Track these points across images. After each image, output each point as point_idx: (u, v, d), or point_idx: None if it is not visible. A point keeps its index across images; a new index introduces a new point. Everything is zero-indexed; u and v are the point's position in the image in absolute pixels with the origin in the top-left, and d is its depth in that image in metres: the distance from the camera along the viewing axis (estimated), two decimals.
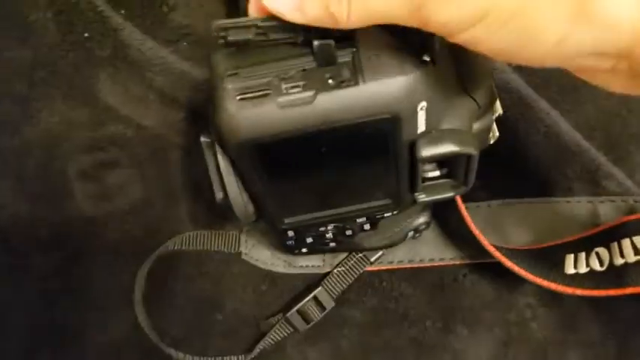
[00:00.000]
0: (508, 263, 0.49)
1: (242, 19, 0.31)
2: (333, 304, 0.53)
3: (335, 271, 0.54)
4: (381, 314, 0.54)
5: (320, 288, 0.53)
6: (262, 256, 0.55)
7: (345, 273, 0.54)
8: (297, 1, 0.28)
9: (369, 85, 0.32)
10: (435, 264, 0.54)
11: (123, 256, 0.54)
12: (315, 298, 0.53)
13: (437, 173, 0.41)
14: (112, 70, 0.54)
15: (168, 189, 0.55)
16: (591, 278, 0.47)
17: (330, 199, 0.43)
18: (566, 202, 0.53)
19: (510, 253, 0.51)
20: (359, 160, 0.38)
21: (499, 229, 0.54)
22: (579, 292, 0.47)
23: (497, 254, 0.50)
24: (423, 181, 0.41)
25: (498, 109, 0.41)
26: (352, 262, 0.54)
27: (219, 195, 0.40)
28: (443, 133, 0.38)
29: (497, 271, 0.51)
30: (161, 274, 0.54)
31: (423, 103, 0.34)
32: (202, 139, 0.39)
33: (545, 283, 0.48)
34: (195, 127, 0.55)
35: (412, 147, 0.37)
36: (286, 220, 0.43)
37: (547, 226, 0.53)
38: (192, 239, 0.54)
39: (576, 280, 0.47)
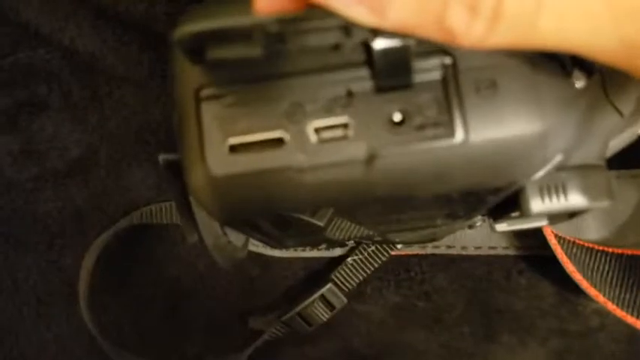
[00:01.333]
0: (571, 269, 0.37)
1: (235, 20, 0.16)
2: (344, 301, 0.41)
3: (349, 260, 0.41)
4: (406, 313, 0.42)
5: (329, 285, 0.40)
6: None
7: (362, 263, 0.41)
8: None
9: (475, 142, 0.19)
10: (483, 253, 0.42)
11: (63, 236, 0.40)
12: (322, 297, 0.40)
13: None
14: None
15: (117, 140, 0.40)
16: None
17: (371, 225, 0.29)
18: None
19: (581, 253, 0.39)
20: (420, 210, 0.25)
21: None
22: None
23: (560, 253, 0.37)
24: None
25: None
26: (372, 248, 0.41)
27: (191, 238, 0.26)
28: (567, 176, 0.23)
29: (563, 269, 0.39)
30: (116, 259, 0.41)
31: (558, 157, 0.21)
32: (161, 157, 0.24)
33: (622, 313, 0.36)
34: (148, 51, 0.38)
35: (515, 193, 0.23)
36: None
37: None
38: (156, 213, 0.40)
39: None
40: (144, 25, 0.38)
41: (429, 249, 0.42)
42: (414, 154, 0.19)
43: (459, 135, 0.18)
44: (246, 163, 0.19)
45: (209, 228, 0.28)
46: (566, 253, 0.38)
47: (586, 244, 0.39)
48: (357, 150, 0.18)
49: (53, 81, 0.39)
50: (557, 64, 0.19)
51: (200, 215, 0.27)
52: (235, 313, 0.43)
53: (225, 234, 0.28)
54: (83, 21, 0.37)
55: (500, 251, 0.41)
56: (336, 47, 0.18)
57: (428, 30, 0.15)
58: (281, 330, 0.42)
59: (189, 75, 0.19)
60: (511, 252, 0.41)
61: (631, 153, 0.40)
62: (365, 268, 0.41)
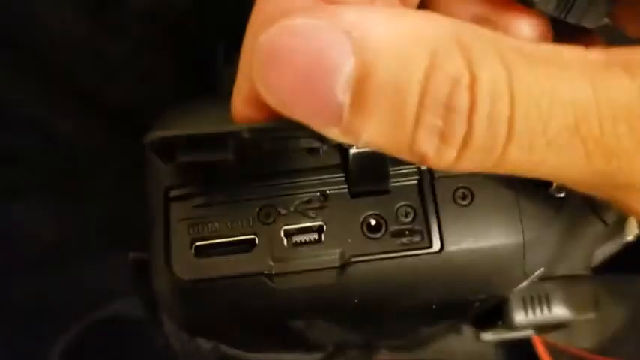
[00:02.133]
0: None
1: (207, 128, 0.16)
2: None
3: None
4: None
5: None
6: None
7: None
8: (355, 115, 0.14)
9: (452, 253, 0.18)
10: None
11: (30, 327, 0.38)
12: None
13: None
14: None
15: (91, 230, 0.39)
16: None
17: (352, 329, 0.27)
18: None
19: None
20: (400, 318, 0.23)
21: None
22: None
23: None
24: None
25: (633, 229, 0.24)
26: (354, 353, 0.38)
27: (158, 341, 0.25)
28: (551, 287, 0.22)
29: None
30: (84, 357, 0.39)
31: (540, 269, 0.20)
32: (131, 256, 0.23)
33: None
34: (129, 139, 0.37)
35: (499, 303, 0.22)
36: None
37: None
38: (128, 309, 0.38)
39: None
40: (126, 112, 0.37)
41: (415, 354, 0.39)
42: (389, 263, 0.18)
43: (436, 245, 0.17)
44: (214, 267, 0.18)
45: (177, 331, 0.26)
46: None
47: (577, 353, 0.37)
48: (331, 256, 0.17)
49: (31, 166, 0.39)
50: None
51: (169, 323, 0.26)
52: None
53: (193, 338, 0.26)
54: (64, 105, 0.37)
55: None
56: (311, 151, 0.18)
57: (400, 152, 0.15)
58: None
59: (161, 174, 0.19)
60: None
61: (625, 257, 0.38)
62: None
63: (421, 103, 0.14)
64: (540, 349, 0.36)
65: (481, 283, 0.18)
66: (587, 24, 0.17)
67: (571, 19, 0.17)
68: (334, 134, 0.15)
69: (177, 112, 0.17)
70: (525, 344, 0.37)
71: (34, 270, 0.39)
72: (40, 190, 0.39)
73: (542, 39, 0.19)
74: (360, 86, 0.14)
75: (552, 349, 0.37)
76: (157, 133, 0.15)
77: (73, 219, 0.39)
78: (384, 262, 0.17)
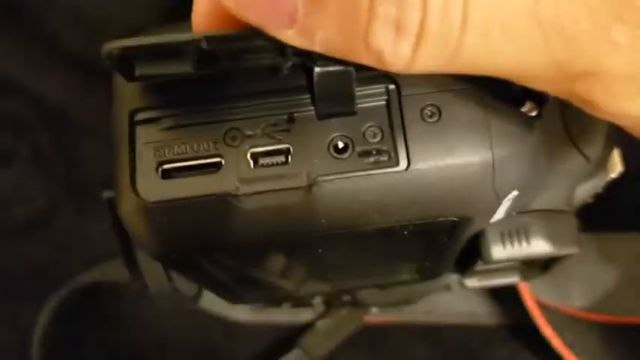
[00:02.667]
0: (555, 342, 0.34)
1: (163, 37, 0.15)
2: None
3: (319, 324, 0.38)
4: None
5: (296, 350, 0.38)
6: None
7: (334, 328, 0.38)
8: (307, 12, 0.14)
9: (419, 170, 0.17)
10: (463, 321, 0.39)
11: (19, 290, 0.38)
12: None
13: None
14: None
15: (82, 193, 0.39)
16: None
17: (329, 277, 0.28)
18: None
19: (565, 322, 0.36)
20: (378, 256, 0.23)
21: (558, 277, 0.38)
22: None
23: (543, 324, 0.35)
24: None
25: (617, 166, 0.24)
26: (343, 312, 0.38)
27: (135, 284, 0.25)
28: (530, 221, 0.22)
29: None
30: (75, 317, 0.39)
31: (514, 193, 0.19)
32: (105, 195, 0.23)
33: None
34: None
35: (476, 238, 0.22)
36: None
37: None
38: (117, 270, 0.38)
39: None
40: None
41: (406, 315, 0.39)
42: (356, 182, 0.17)
43: (403, 163, 0.17)
44: (180, 188, 0.17)
45: (154, 272, 0.26)
46: (549, 323, 0.36)
47: (570, 311, 0.37)
48: (297, 176, 0.17)
49: (21, 130, 0.39)
50: (506, 93, 0.18)
51: (145, 259, 0.26)
52: None
53: (170, 280, 0.26)
54: (54, 71, 0.37)
55: (480, 319, 0.39)
56: (274, 70, 0.17)
57: (357, 52, 0.15)
58: None
59: (125, 97, 0.18)
60: (492, 321, 0.39)
61: (621, 215, 0.38)
62: (337, 333, 0.38)
63: None
64: (533, 308, 0.36)
65: (450, 202, 0.18)
66: None
67: None
68: (289, 37, 0.14)
69: (137, 33, 0.17)
70: (516, 304, 0.37)
71: (24, 233, 0.39)
72: (29, 154, 0.39)
73: None
74: None
75: (544, 308, 0.36)
76: (115, 43, 0.15)
77: (62, 183, 0.39)
78: (350, 180, 0.17)
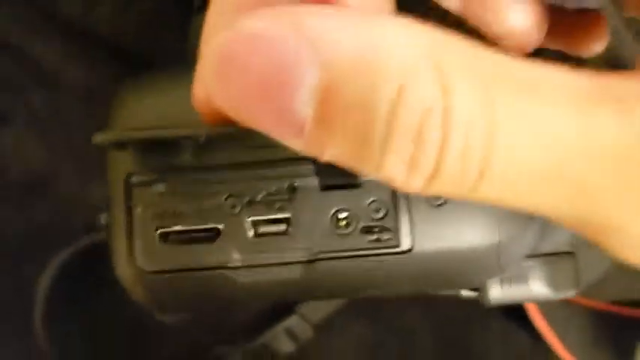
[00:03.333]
0: (540, 322, 0.35)
1: (161, 134, 0.15)
2: (310, 333, 0.39)
3: None
4: (375, 350, 0.40)
5: (293, 316, 0.39)
6: None
7: None
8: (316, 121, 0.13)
9: (423, 253, 0.17)
10: (459, 294, 0.39)
11: (22, 253, 0.39)
12: (287, 329, 0.39)
13: None
14: None
15: (81, 156, 0.38)
16: None
17: None
18: None
19: (554, 305, 0.37)
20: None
21: None
22: None
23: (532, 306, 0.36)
24: None
25: None
26: None
27: None
28: (531, 265, 0.22)
29: None
30: (78, 279, 0.39)
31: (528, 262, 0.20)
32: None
33: None
34: (114, 67, 0.36)
35: None
36: None
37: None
38: None
39: None
40: (112, 40, 0.36)
41: None
42: (357, 261, 0.17)
43: (405, 244, 0.17)
44: (178, 258, 0.17)
45: None
46: (538, 305, 0.37)
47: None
48: (297, 250, 0.17)
49: (18, 93, 0.37)
50: None
51: None
52: (200, 344, 0.41)
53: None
54: (52, 34, 0.36)
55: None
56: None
57: (367, 172, 0.14)
58: None
59: (121, 159, 0.18)
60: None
61: None
62: (332, 300, 0.39)
63: (390, 127, 0.12)
64: None
65: (453, 281, 0.18)
66: (589, 4, 0.16)
67: (570, 4, 0.15)
68: (296, 146, 0.14)
69: (135, 93, 0.16)
70: None
71: (23, 196, 0.39)
72: (28, 117, 0.38)
73: (537, 27, 0.17)
74: (325, 101, 0.13)
75: None
76: (108, 136, 0.14)
77: (60, 146, 0.38)
78: (351, 259, 0.17)
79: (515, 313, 0.39)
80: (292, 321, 0.39)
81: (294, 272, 0.17)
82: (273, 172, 0.17)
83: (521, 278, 0.21)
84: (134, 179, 0.17)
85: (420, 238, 0.17)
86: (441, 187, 0.13)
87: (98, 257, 0.40)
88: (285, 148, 0.17)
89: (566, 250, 0.22)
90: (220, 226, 0.17)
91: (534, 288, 0.22)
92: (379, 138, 0.13)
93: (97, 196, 0.39)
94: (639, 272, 0.37)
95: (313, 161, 0.17)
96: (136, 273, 0.17)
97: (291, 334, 0.39)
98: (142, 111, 0.15)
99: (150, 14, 0.35)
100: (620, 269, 0.37)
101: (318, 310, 0.39)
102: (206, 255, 0.17)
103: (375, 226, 0.17)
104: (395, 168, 0.13)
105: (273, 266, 0.17)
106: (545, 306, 0.36)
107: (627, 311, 0.36)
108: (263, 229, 0.17)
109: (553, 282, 0.22)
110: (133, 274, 0.17)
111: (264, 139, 0.15)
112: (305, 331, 0.39)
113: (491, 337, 0.40)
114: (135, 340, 0.41)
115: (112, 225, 0.18)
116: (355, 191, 0.17)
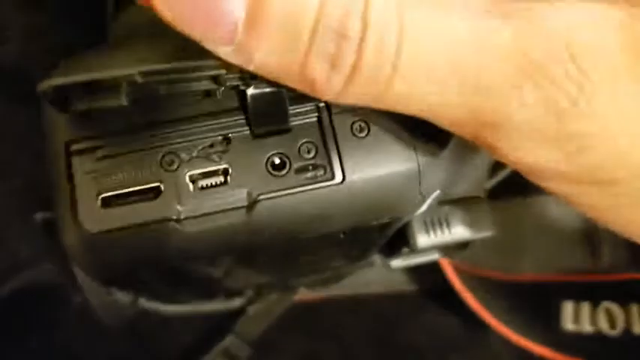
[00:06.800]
0: (475, 306, 0.37)
1: (98, 73, 0.16)
2: (248, 352, 0.39)
3: (250, 309, 0.39)
4: (317, 356, 0.41)
5: (229, 336, 0.39)
6: None
7: (266, 311, 0.39)
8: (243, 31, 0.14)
9: (354, 182, 0.19)
10: (388, 290, 0.42)
11: None
12: (224, 350, 0.39)
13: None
14: None
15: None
16: (598, 343, 0.35)
17: (263, 273, 0.29)
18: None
19: (479, 284, 0.39)
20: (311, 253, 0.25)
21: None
22: None
23: (459, 287, 0.37)
24: None
25: None
26: (275, 294, 0.39)
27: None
28: (449, 210, 0.24)
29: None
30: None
31: (437, 192, 0.21)
32: (39, 216, 0.22)
33: (529, 344, 0.36)
34: (22, 104, 0.36)
35: (402, 228, 0.23)
36: None
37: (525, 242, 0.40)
38: (42, 274, 0.37)
39: (576, 342, 0.36)
40: (18, 75, 0.36)
41: (334, 290, 0.41)
42: (296, 198, 0.18)
43: (338, 176, 0.18)
44: (121, 217, 0.18)
45: (93, 287, 0.26)
46: (465, 286, 0.39)
47: (483, 274, 0.40)
48: (238, 196, 0.18)
49: None
50: None
51: (83, 276, 0.26)
52: None
53: (110, 292, 0.26)
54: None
55: (405, 287, 0.41)
56: (209, 94, 0.18)
57: (291, 77, 0.15)
58: None
59: (59, 129, 0.18)
60: (414, 287, 0.41)
61: (521, 179, 0.41)
62: (268, 316, 0.40)
63: (315, 28, 0.14)
64: (450, 273, 0.38)
65: (383, 207, 0.19)
66: None
67: None
68: (227, 54, 0.15)
69: (71, 61, 0.17)
70: (435, 270, 0.39)
71: None
72: None
73: None
74: (256, 4, 0.14)
75: (459, 272, 0.39)
76: (49, 81, 0.15)
77: None
78: (290, 197, 0.18)
79: (443, 302, 0.41)
80: (229, 341, 0.39)
81: (238, 217, 0.18)
82: (207, 125, 0.18)
83: (443, 222, 0.23)
84: (73, 147, 0.18)
85: (350, 169, 0.18)
86: (358, 87, 0.15)
87: (20, 303, 0.38)
88: (215, 102, 0.18)
89: (476, 195, 0.24)
90: (160, 184, 0.18)
91: (455, 230, 0.23)
92: (305, 39, 0.14)
93: (16, 241, 0.38)
94: (556, 243, 0.39)
95: (244, 111, 0.18)
96: (82, 236, 0.17)
97: (229, 355, 0.39)
98: (76, 71, 0.16)
99: (59, 45, 0.35)
100: (539, 240, 0.40)
101: (254, 326, 0.39)
102: (149, 211, 0.17)
103: (309, 165, 0.18)
104: (317, 68, 0.15)
105: (217, 214, 0.18)
106: (472, 285, 0.38)
107: (551, 277, 0.38)
108: (202, 182, 0.18)
109: (471, 223, 0.23)
110: (79, 238, 0.17)
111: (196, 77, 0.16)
112: (242, 350, 0.39)
113: (423, 329, 0.41)
114: None
115: (56, 195, 0.18)
116: (286, 136, 0.18)
